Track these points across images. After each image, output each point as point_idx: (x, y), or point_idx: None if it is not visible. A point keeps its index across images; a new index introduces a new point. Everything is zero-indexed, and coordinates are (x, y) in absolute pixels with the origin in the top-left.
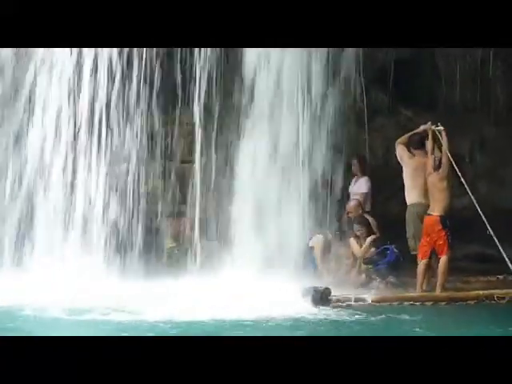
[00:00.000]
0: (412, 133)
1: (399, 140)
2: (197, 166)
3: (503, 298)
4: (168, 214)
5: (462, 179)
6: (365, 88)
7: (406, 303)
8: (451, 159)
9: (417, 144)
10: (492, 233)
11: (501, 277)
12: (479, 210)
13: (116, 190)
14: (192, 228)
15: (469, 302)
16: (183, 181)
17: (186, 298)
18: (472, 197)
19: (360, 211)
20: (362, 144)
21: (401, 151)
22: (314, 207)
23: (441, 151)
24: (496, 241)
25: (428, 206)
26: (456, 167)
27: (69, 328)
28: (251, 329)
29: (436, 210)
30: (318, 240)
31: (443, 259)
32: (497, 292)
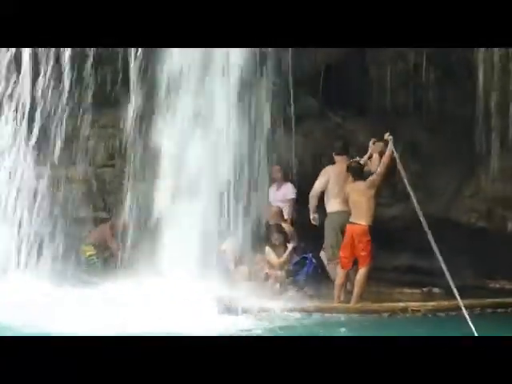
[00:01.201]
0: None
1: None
2: (129, 169)
3: (418, 311)
4: (88, 221)
5: (408, 187)
6: (293, 91)
7: (316, 314)
8: (401, 170)
9: (339, 149)
10: (433, 242)
11: (425, 289)
12: (422, 219)
13: (33, 195)
14: (113, 235)
15: (383, 314)
16: (103, 186)
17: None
18: (417, 206)
19: (279, 219)
20: (288, 149)
21: (321, 185)
22: (230, 211)
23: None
24: (436, 250)
25: (349, 215)
26: (405, 179)
27: None
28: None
29: (363, 220)
30: (229, 243)
31: (363, 270)
32: (411, 305)
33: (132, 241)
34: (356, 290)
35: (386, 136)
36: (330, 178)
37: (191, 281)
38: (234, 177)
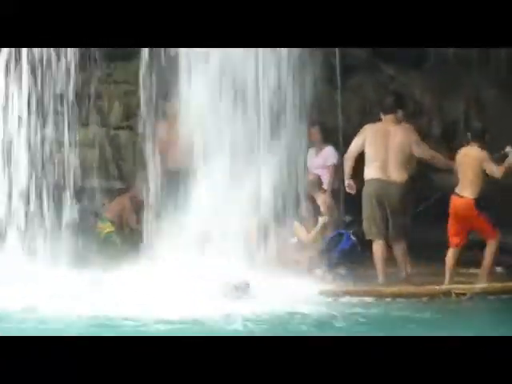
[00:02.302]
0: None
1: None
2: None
3: (463, 294)
4: (100, 191)
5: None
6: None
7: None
8: None
9: (390, 108)
10: None
11: None
12: None
13: (37, 163)
14: (133, 208)
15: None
16: (119, 151)
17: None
18: None
19: (316, 188)
20: (331, 106)
21: (357, 146)
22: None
23: None
24: None
25: (388, 183)
26: None
27: None
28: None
29: (468, 191)
30: (256, 217)
31: (492, 243)
32: (454, 287)
33: (153, 215)
34: (486, 265)
35: (508, 149)
36: (366, 138)
37: (209, 261)
38: (264, 140)
